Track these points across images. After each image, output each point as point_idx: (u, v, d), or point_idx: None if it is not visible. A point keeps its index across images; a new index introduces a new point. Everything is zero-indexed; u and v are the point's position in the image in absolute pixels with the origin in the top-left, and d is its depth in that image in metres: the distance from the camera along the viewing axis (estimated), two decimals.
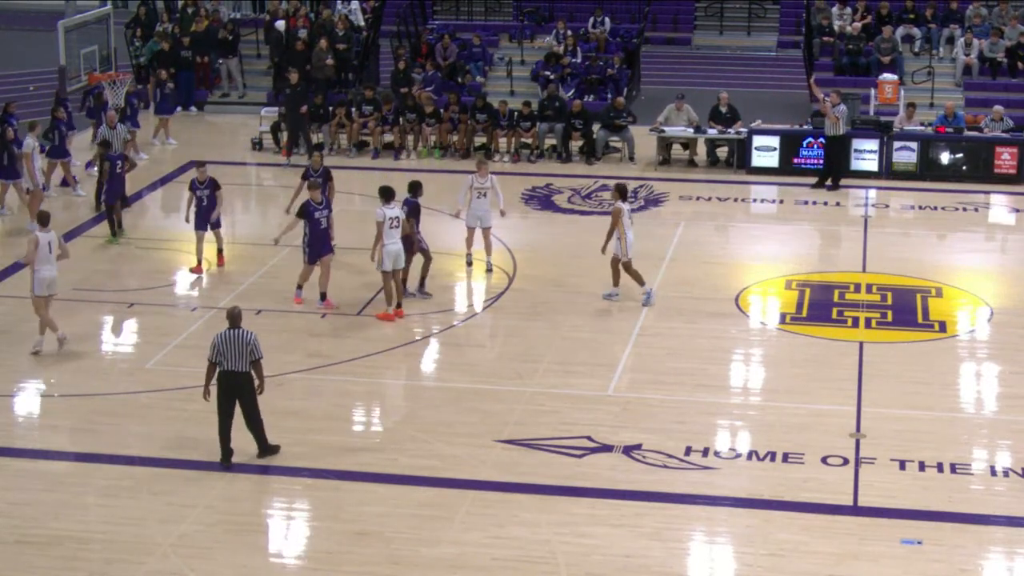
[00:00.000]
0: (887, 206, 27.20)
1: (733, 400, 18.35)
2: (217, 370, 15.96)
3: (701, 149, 30.03)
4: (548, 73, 33.41)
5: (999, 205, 27.33)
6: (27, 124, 26.40)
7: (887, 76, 32.22)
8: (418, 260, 21.54)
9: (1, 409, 18.05)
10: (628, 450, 16.63)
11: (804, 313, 21.35)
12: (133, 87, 32.10)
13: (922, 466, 16.24)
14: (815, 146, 28.65)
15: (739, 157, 29.36)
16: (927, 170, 28.62)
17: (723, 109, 29.65)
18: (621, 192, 21.47)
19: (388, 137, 30.80)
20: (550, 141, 30.44)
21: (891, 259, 23.70)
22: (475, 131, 30.42)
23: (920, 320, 21.08)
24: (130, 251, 24.25)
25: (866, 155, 28.74)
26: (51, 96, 29.38)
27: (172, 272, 23.06)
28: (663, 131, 29.69)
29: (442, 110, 30.75)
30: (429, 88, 32.52)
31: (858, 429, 17.24)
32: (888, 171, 28.75)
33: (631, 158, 29.93)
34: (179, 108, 34.05)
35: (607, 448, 16.70)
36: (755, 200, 27.73)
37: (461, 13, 38.88)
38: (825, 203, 27.20)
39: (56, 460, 16.54)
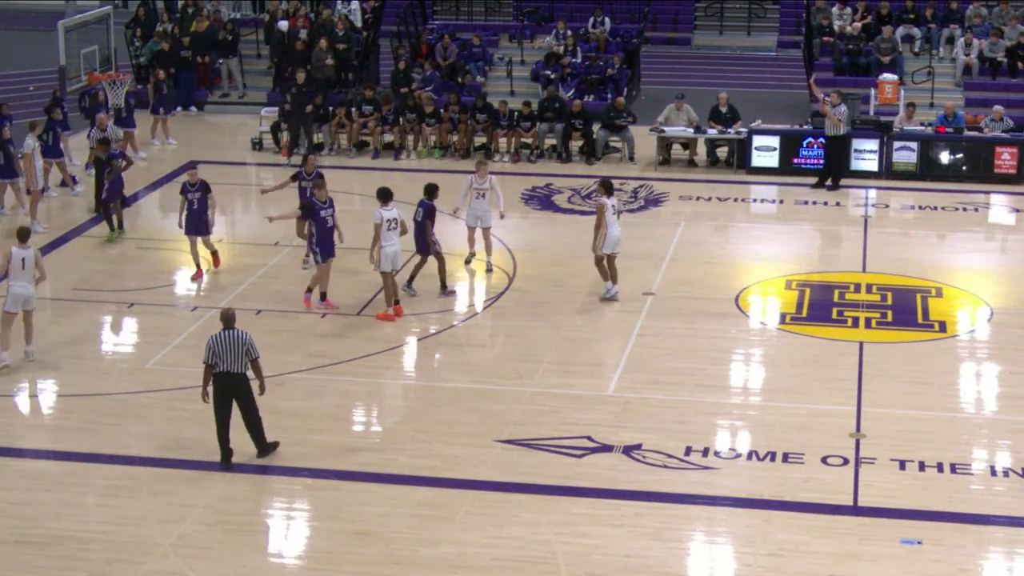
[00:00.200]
0: (887, 206, 27.20)
1: (733, 400, 18.35)
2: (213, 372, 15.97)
3: (701, 149, 30.03)
4: (548, 73, 33.42)
5: (999, 205, 27.33)
6: (28, 124, 26.41)
7: (887, 76, 32.22)
8: (432, 263, 21.55)
9: (1, 409, 18.04)
10: (628, 450, 16.63)
11: (804, 313, 21.35)
12: (133, 87, 32.12)
13: (922, 466, 16.25)
14: (815, 146, 28.65)
15: (739, 157, 29.36)
16: (927, 170, 28.62)
17: (723, 109, 29.65)
18: (606, 188, 21.52)
19: (388, 137, 30.80)
20: (550, 141, 30.44)
21: (891, 259, 23.70)
22: (475, 131, 30.42)
23: (920, 320, 21.08)
24: (130, 251, 24.25)
25: (866, 155, 28.74)
26: (50, 96, 29.37)
27: (172, 272, 23.05)
28: (663, 131, 29.69)
29: (442, 110, 30.76)
30: (428, 88, 32.52)
31: (858, 429, 17.24)
32: (888, 171, 28.75)
33: (631, 158, 29.93)
34: (179, 108, 34.08)
35: (607, 448, 16.70)
36: (755, 200, 27.73)
37: (461, 13, 38.88)
38: (825, 203, 27.21)
39: (56, 460, 16.54)
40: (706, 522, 15.13)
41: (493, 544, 14.55)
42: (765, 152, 29.00)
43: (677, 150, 30.13)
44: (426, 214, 21.33)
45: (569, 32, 34.75)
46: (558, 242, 24.67)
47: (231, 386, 15.91)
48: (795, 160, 28.89)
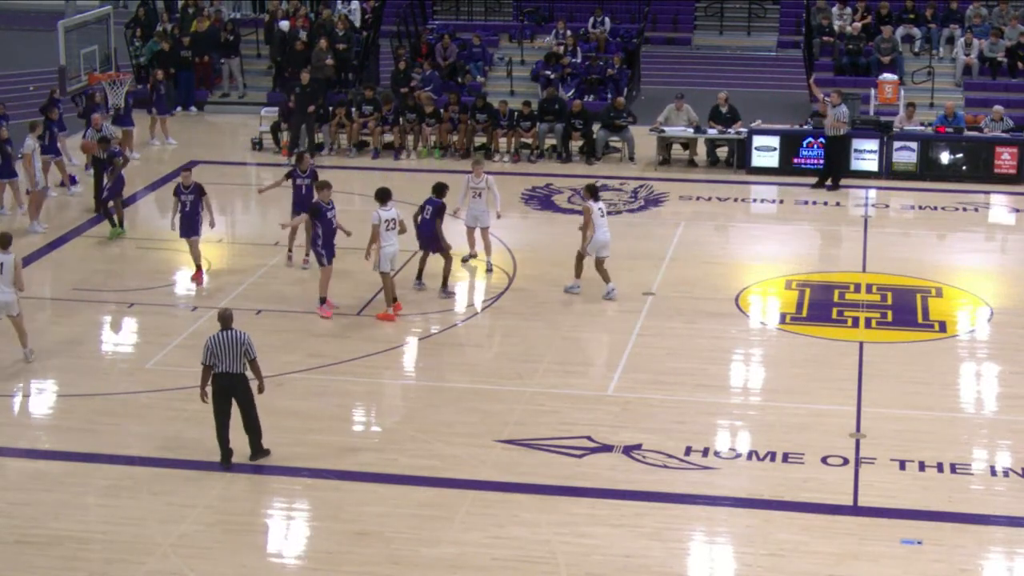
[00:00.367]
0: (887, 206, 27.20)
1: (733, 400, 18.35)
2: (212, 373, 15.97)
3: (701, 149, 30.03)
4: (548, 73, 33.42)
5: (999, 205, 27.33)
6: (28, 125, 26.41)
7: (887, 76, 32.22)
8: (436, 261, 21.65)
9: (1, 409, 18.04)
10: (628, 450, 16.63)
11: (804, 313, 21.35)
12: (133, 87, 32.14)
13: (922, 466, 16.24)
14: (815, 146, 28.65)
15: (739, 157, 29.36)
16: (927, 170, 28.62)
17: (723, 109, 29.65)
18: (591, 191, 21.65)
19: (388, 137, 30.81)
20: (550, 141, 30.44)
21: (891, 259, 23.70)
22: (475, 131, 30.42)
23: (920, 320, 21.08)
24: (130, 251, 24.25)
25: (866, 155, 28.73)
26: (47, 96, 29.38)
27: (172, 272, 23.04)
28: (663, 131, 29.69)
29: (442, 110, 30.76)
30: (428, 88, 32.52)
31: (858, 429, 17.24)
32: (888, 171, 28.75)
33: (631, 158, 29.93)
34: (179, 108, 34.09)
35: (607, 448, 16.70)
36: (755, 200, 27.73)
37: (461, 13, 38.89)
38: (825, 203, 27.20)
39: (56, 460, 16.54)
40: (706, 522, 15.13)
41: (493, 544, 14.55)
42: (765, 152, 29.00)
43: (677, 150, 30.13)
44: (435, 212, 21.40)
45: (568, 32, 34.76)
46: (558, 242, 24.64)
47: (230, 386, 15.91)
48: (795, 160, 28.88)
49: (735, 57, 39.46)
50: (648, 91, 35.47)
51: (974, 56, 33.43)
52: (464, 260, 23.01)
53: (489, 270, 22.80)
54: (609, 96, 32.27)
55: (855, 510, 15.31)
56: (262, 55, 36.35)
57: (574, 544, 14.55)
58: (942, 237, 25.53)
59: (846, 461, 16.35)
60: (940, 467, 16.23)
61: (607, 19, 35.52)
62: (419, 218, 21.64)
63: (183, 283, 22.55)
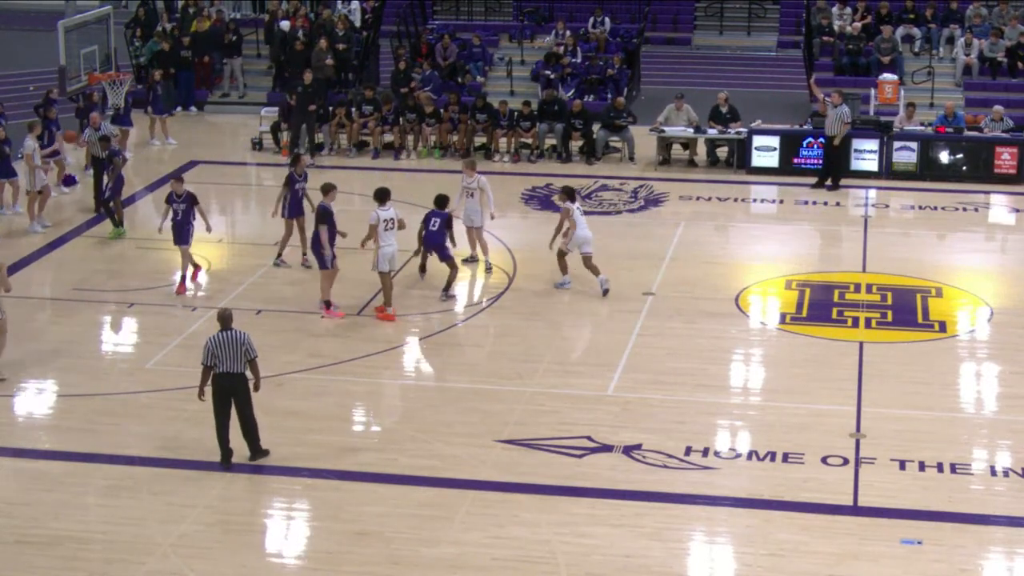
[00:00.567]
0: (887, 206, 27.20)
1: (733, 400, 18.35)
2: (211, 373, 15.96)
3: (701, 149, 30.03)
4: (548, 73, 33.42)
5: (999, 205, 27.33)
6: (27, 125, 26.40)
7: (887, 76, 32.22)
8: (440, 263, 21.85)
9: (1, 409, 18.04)
10: (628, 450, 16.63)
11: (804, 313, 21.35)
12: (133, 87, 32.14)
13: (922, 466, 16.24)
14: (815, 146, 28.64)
15: (739, 157, 29.36)
16: (927, 170, 28.62)
17: (723, 109, 29.65)
18: (568, 194, 21.95)
19: (388, 137, 30.80)
20: (550, 141, 30.44)
21: (891, 259, 23.70)
22: (475, 131, 30.42)
23: (920, 320, 21.08)
24: (130, 251, 24.24)
25: (866, 155, 28.73)
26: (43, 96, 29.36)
27: (172, 272, 23.01)
28: (663, 131, 29.69)
29: (442, 110, 30.76)
30: (427, 88, 32.52)
31: (858, 429, 17.24)
32: (888, 171, 28.75)
33: (631, 158, 29.93)
34: (179, 108, 34.09)
35: (607, 448, 16.70)
36: (755, 200, 27.73)
37: (461, 13, 38.88)
38: (825, 203, 27.20)
39: (56, 460, 16.53)
40: (706, 522, 15.13)
41: (493, 544, 14.55)
42: (765, 152, 29.00)
43: (677, 150, 30.13)
44: (444, 224, 21.57)
45: (568, 33, 34.75)
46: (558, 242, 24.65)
47: (230, 387, 15.90)
48: (795, 160, 28.88)
49: (735, 57, 39.46)
50: (648, 91, 35.47)
51: (974, 56, 33.43)
52: (464, 261, 23.02)
53: (488, 269, 22.81)
54: (609, 96, 32.26)
55: (855, 510, 15.31)
56: (262, 55, 36.35)
57: (574, 544, 14.55)
58: (942, 237, 25.53)
59: (846, 461, 16.35)
60: (940, 467, 16.23)
61: (607, 19, 35.53)
62: (424, 230, 21.69)
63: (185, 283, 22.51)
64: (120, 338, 20.81)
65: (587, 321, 20.97)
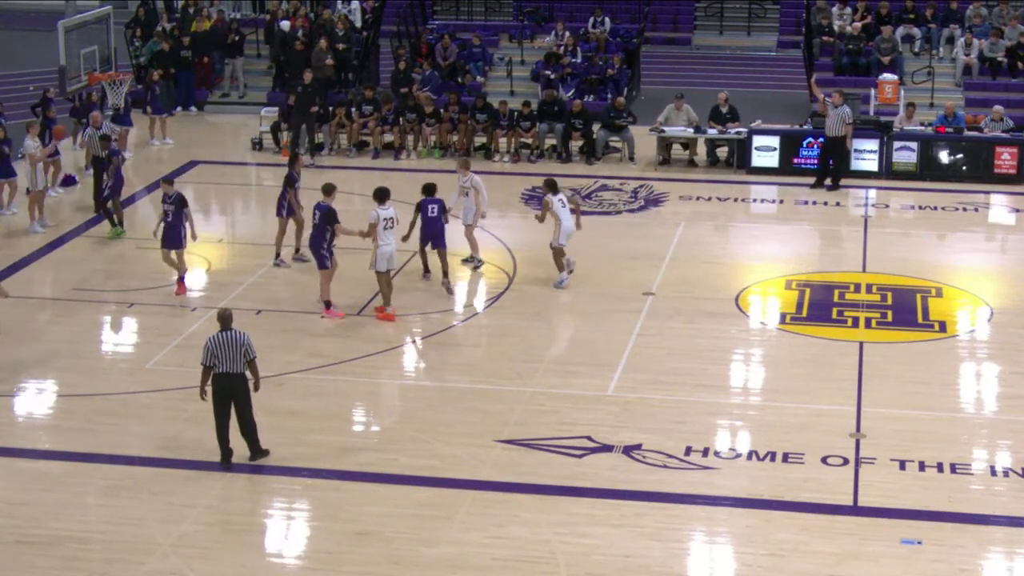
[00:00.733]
0: (887, 206, 27.20)
1: (733, 400, 18.35)
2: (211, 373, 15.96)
3: (701, 149, 30.03)
4: (548, 73, 33.42)
5: (999, 205, 27.33)
6: (25, 125, 26.40)
7: (887, 76, 32.22)
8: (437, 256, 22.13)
9: (1, 409, 18.04)
10: (628, 450, 16.62)
11: (804, 313, 21.35)
12: (132, 87, 32.15)
13: (922, 466, 16.24)
14: (815, 146, 28.64)
15: (739, 157, 29.36)
16: (927, 170, 28.62)
17: (723, 109, 29.65)
18: (550, 186, 22.26)
19: (388, 137, 30.80)
20: (550, 141, 30.44)
21: (891, 259, 23.70)
22: (475, 131, 30.42)
23: (920, 320, 21.08)
24: (130, 251, 24.23)
25: (866, 155, 28.73)
26: (40, 96, 29.35)
27: (172, 272, 23.00)
28: (663, 131, 29.69)
29: (442, 110, 30.76)
30: (427, 88, 32.52)
31: (858, 429, 17.24)
32: (888, 171, 28.75)
33: (631, 158, 29.93)
34: (179, 108, 34.10)
35: (607, 448, 16.70)
36: (755, 200, 27.73)
37: (461, 13, 38.88)
38: (825, 203, 27.20)
39: (56, 460, 16.53)
40: (706, 522, 15.13)
41: (493, 544, 14.55)
42: (765, 152, 29.00)
43: (677, 150, 30.13)
44: (442, 209, 21.87)
45: (567, 33, 34.73)
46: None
47: (230, 387, 15.90)
48: (795, 160, 28.88)
49: (735, 57, 39.46)
50: (648, 91, 35.47)
51: (974, 56, 33.43)
52: (464, 261, 23.02)
53: (476, 267, 22.80)
54: (609, 96, 32.26)
55: (855, 510, 15.31)
56: (262, 55, 36.35)
57: (574, 544, 14.55)
58: (942, 237, 25.53)
59: (846, 461, 16.35)
60: (940, 467, 16.23)
61: (607, 19, 35.53)
62: (422, 219, 21.73)
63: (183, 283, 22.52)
64: (120, 338, 20.81)
65: (587, 321, 20.97)
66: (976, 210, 26.83)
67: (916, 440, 16.93)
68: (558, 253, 22.05)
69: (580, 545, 14.52)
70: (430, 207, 21.79)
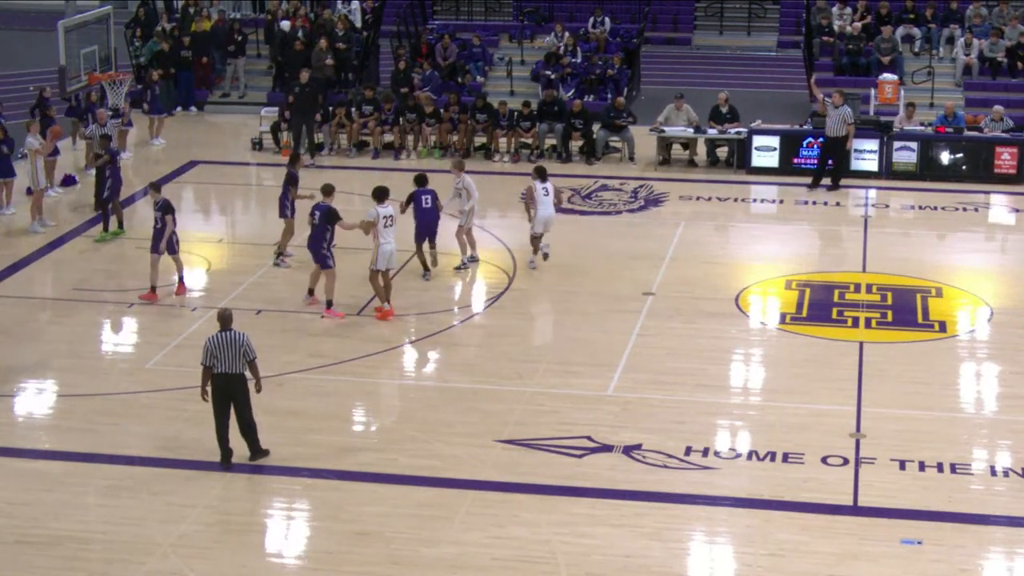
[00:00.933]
0: (887, 206, 27.20)
1: (733, 400, 18.35)
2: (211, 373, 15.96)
3: (701, 149, 30.02)
4: (548, 73, 33.42)
5: (999, 205, 27.33)
6: (25, 125, 26.40)
7: (887, 76, 32.21)
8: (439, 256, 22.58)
9: (1, 409, 18.04)
10: (628, 450, 16.62)
11: (804, 313, 21.35)
12: (132, 87, 32.16)
13: (922, 466, 16.24)
14: (815, 146, 28.63)
15: (739, 157, 29.36)
16: (927, 170, 28.62)
17: (723, 109, 29.65)
18: (539, 173, 22.76)
19: (388, 137, 30.80)
20: (550, 141, 30.44)
21: (891, 259, 23.70)
22: (475, 131, 30.42)
23: (920, 320, 21.08)
24: (130, 251, 24.22)
25: (866, 155, 28.73)
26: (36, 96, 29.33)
27: (172, 272, 22.99)
28: (663, 131, 29.69)
29: (442, 110, 30.76)
30: (426, 88, 32.51)
31: (858, 429, 17.24)
32: (888, 171, 28.75)
33: (631, 158, 29.93)
34: (179, 108, 34.11)
35: (607, 448, 16.70)
36: (755, 200, 27.73)
37: (461, 13, 38.87)
38: (825, 203, 27.21)
39: (56, 460, 16.53)
40: (706, 522, 15.13)
41: (493, 544, 14.55)
42: (765, 152, 29.00)
43: (677, 150, 30.13)
44: (435, 197, 22.22)
45: (567, 33, 34.73)
46: (558, 242, 24.60)
47: (229, 387, 15.90)
48: (795, 160, 28.87)
49: (735, 57, 39.46)
50: (648, 91, 35.47)
51: (974, 56, 33.43)
52: (457, 268, 22.98)
53: (464, 266, 22.74)
54: (609, 96, 32.26)
55: (855, 510, 15.31)
56: (262, 55, 36.36)
57: (574, 544, 14.55)
58: (942, 237, 25.52)
59: (846, 461, 16.35)
60: (940, 467, 16.23)
61: (607, 19, 35.52)
62: (416, 209, 21.95)
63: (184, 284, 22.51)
64: (120, 338, 20.80)
65: (587, 321, 20.96)
66: (976, 210, 26.83)
67: (916, 440, 16.93)
68: (534, 239, 22.50)
69: (580, 545, 14.52)
70: (423, 198, 21.96)
